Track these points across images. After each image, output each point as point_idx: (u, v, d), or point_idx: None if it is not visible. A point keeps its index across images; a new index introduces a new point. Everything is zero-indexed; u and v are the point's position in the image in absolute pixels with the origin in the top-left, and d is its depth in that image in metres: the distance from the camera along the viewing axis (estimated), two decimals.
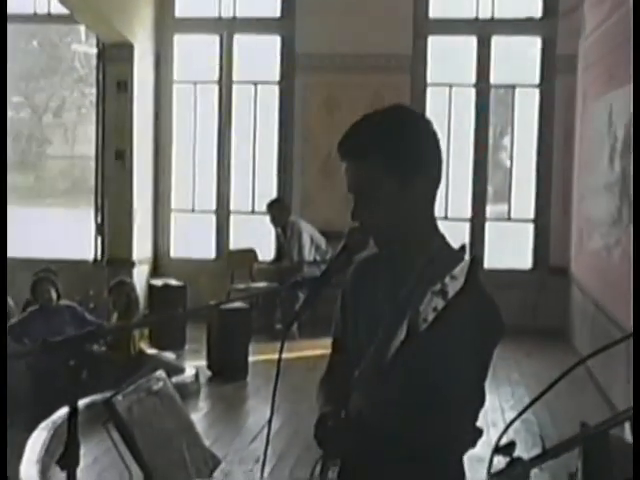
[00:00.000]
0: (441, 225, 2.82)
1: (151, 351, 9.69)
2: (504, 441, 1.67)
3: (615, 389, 8.47)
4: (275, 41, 13.14)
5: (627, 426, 2.46)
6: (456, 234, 13.32)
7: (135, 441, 4.39)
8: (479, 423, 2.63)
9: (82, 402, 3.77)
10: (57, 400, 7.14)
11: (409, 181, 2.65)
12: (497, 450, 1.65)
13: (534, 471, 5.21)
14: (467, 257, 2.18)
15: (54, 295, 9.37)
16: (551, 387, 1.73)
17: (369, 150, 2.66)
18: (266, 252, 12.77)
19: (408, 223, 2.71)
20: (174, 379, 7.15)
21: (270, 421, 3.10)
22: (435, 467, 2.59)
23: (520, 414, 1.84)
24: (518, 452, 1.73)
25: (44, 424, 7.43)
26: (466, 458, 2.70)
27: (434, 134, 2.73)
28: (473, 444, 2.65)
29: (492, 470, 1.62)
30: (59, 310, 9.34)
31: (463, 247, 2.55)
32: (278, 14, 13.09)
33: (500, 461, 1.67)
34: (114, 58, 12.41)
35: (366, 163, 2.66)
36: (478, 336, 2.51)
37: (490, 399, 2.77)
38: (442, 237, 2.76)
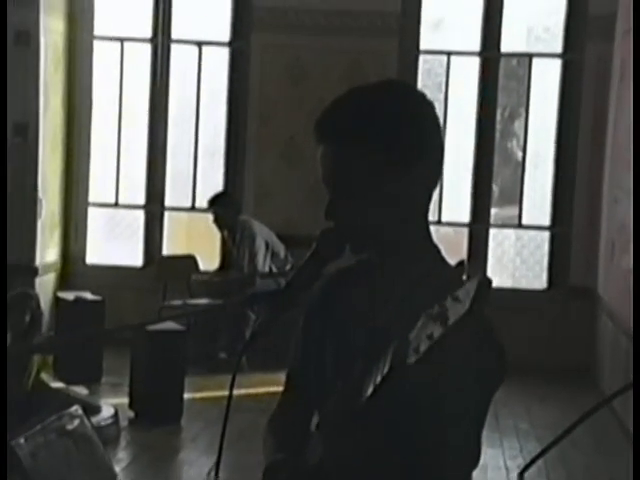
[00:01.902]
0: (434, 231, 2.87)
1: (56, 384, 9.66)
2: None
3: None
4: None
5: None
6: (451, 243, 13.42)
7: None
8: None
9: None
10: None
11: (403, 175, 2.68)
12: None
13: None
14: (473, 277, 2.21)
15: None
16: (569, 432, 1.79)
17: (356, 133, 2.67)
18: (209, 260, 12.79)
19: (397, 228, 2.73)
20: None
21: (217, 475, 3.14)
22: None
23: (531, 463, 1.90)
24: None
25: None
26: None
27: (436, 118, 2.78)
28: None
29: None
30: None
31: (461, 263, 2.60)
32: None
33: None
34: (14, 3, 12.25)
35: (350, 149, 2.68)
36: (478, 375, 2.51)
37: (491, 455, 2.83)
38: (437, 249, 2.80)
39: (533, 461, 1.83)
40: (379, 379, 2.34)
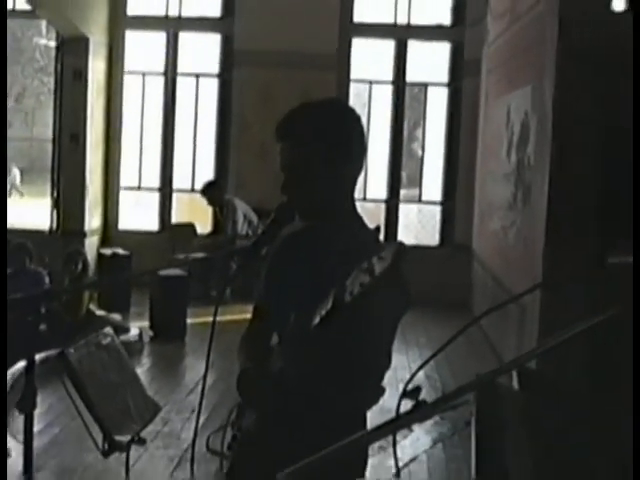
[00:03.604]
0: (360, 206, 2.86)
1: (99, 312, 9.63)
2: (410, 387, 1.72)
3: (507, 350, 8.63)
4: (216, 39, 13.08)
5: (514, 376, 2.53)
6: (373, 214, 13.35)
7: (85, 388, 4.39)
8: (388, 382, 2.68)
9: (38, 356, 3.75)
10: (15, 353, 7.10)
11: (336, 165, 2.68)
12: (405, 394, 1.70)
13: (437, 419, 5.29)
14: (392, 243, 2.21)
15: (27, 262, 9.32)
16: (448, 344, 1.78)
17: (302, 133, 2.68)
18: (204, 227, 12.74)
19: (331, 202, 2.73)
20: (120, 338, 7.12)
21: (205, 376, 3.13)
22: (342, 419, 2.61)
23: (424, 363, 1.89)
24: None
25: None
26: (376, 409, 2.75)
27: (361, 127, 2.78)
28: (377, 400, 2.70)
29: (400, 412, 1.67)
30: (28, 274, 9.27)
31: (378, 228, 2.60)
32: (219, 14, 13.05)
33: (407, 404, 1.72)
34: (71, 50, 12.28)
35: (298, 144, 2.69)
36: (392, 309, 2.55)
37: (400, 359, 2.83)
38: (360, 218, 2.80)
39: (416, 371, 1.82)
40: (324, 312, 2.33)
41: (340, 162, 2.68)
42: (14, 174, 34.06)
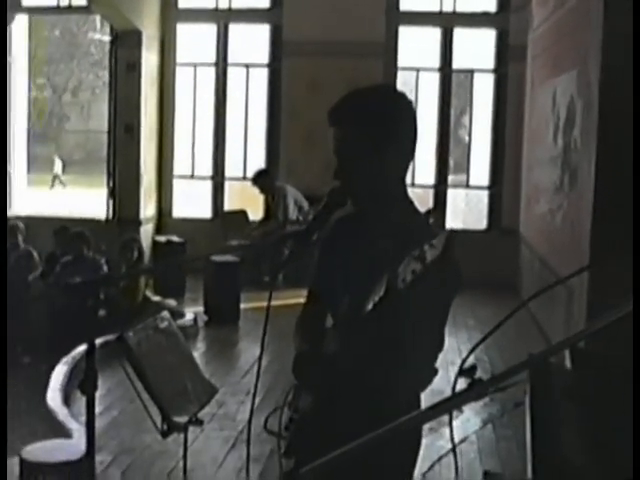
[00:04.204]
0: (410, 191, 2.85)
1: (155, 298, 9.71)
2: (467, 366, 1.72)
3: (555, 331, 8.57)
4: (265, 29, 13.10)
5: (567, 355, 2.51)
6: (422, 199, 13.34)
7: (144, 371, 4.42)
8: (439, 364, 2.67)
9: (98, 340, 3.79)
10: (75, 337, 7.18)
11: (387, 150, 2.66)
12: (461, 373, 1.69)
13: (486, 401, 5.26)
14: (445, 230, 2.21)
15: (85, 249, 9.42)
16: (499, 326, 1.77)
17: (354, 118, 2.67)
18: (256, 214, 12.76)
19: (382, 187, 2.71)
20: (176, 322, 7.18)
21: (260, 358, 3.14)
22: (396, 400, 2.60)
23: (478, 344, 1.88)
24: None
25: (65, 359, 7.47)
26: (428, 391, 2.74)
27: (412, 113, 2.75)
28: (430, 381, 2.69)
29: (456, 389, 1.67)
30: (87, 261, 9.38)
31: (429, 211, 2.60)
32: (268, 5, 13.07)
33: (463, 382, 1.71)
34: (125, 44, 12.37)
35: (349, 130, 2.67)
36: (444, 292, 2.52)
37: (450, 342, 2.82)
38: (410, 202, 2.78)
39: (471, 351, 1.82)
40: (377, 298, 2.33)
41: (391, 147, 2.67)
42: (57, 165, 34.34)
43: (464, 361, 1.72)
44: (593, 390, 2.54)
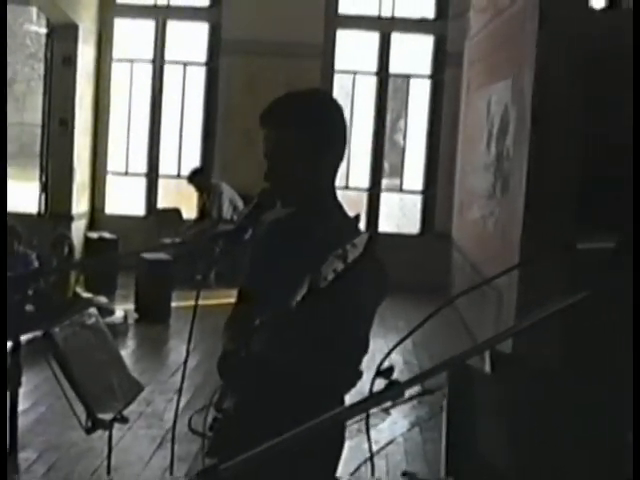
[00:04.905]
0: (342, 194, 2.87)
1: (86, 294, 9.62)
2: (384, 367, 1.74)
3: (485, 334, 8.66)
4: (203, 27, 13.06)
5: (487, 358, 2.55)
6: (355, 203, 13.34)
7: (70, 367, 4.39)
8: (367, 366, 2.68)
9: (25, 337, 3.76)
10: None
11: (317, 153, 2.69)
12: (378, 374, 1.71)
13: (414, 404, 5.29)
14: (366, 231, 2.23)
15: (16, 244, 9.30)
16: (424, 322, 1.80)
17: (286, 121, 2.68)
18: (190, 212, 12.71)
19: (311, 190, 2.73)
20: (105, 320, 7.11)
21: (186, 358, 3.14)
22: (320, 401, 2.57)
23: (398, 343, 1.90)
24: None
25: None
26: (354, 393, 2.75)
27: (343, 118, 2.79)
28: (354, 384, 2.71)
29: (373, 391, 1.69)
30: (17, 257, 9.25)
31: (357, 216, 2.62)
32: (207, 3, 13.04)
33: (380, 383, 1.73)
34: (61, 37, 12.22)
35: (281, 132, 2.69)
36: (367, 295, 2.55)
37: (379, 344, 2.85)
38: (340, 206, 2.80)
39: (389, 352, 1.84)
40: (300, 297, 2.34)
41: (321, 151, 2.69)
42: None
43: (382, 362, 1.74)
44: (513, 394, 2.58)
